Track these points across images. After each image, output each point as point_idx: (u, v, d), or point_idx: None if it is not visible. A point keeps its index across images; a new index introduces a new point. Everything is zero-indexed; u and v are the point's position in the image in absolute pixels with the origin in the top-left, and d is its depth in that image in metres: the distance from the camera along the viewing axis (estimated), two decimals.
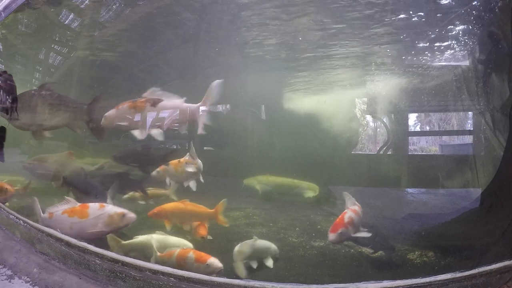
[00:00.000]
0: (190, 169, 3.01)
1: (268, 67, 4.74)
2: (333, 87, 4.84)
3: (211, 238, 2.94)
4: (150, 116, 2.69)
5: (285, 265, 2.71)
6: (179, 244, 2.64)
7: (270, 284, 1.92)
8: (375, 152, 5.08)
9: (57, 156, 3.28)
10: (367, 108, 4.85)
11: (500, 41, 3.15)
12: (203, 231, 2.82)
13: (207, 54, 4.63)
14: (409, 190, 4.32)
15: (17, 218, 2.87)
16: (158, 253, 2.44)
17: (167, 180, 3.02)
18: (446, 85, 4.01)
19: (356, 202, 2.80)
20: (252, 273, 2.51)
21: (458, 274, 1.86)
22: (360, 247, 2.94)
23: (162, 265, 2.09)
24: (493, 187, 2.98)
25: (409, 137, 4.75)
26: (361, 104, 4.86)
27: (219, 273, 2.24)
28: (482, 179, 3.46)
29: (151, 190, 3.45)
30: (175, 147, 5.90)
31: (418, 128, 5.36)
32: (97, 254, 2.26)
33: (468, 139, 4.38)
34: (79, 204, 2.41)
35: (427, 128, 5.39)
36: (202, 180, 3.16)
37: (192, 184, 3.01)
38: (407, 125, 4.65)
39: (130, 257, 2.19)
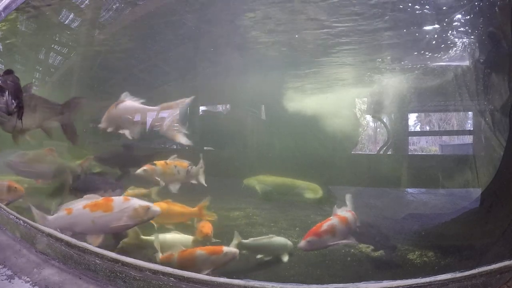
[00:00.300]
0: (184, 174, 3.01)
1: (268, 67, 4.74)
2: (333, 87, 4.84)
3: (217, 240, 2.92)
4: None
5: (285, 265, 2.71)
6: (181, 241, 2.67)
7: (270, 284, 1.92)
8: (375, 152, 5.08)
9: (38, 152, 3.23)
10: (367, 108, 4.85)
11: (500, 41, 3.15)
12: (207, 230, 2.81)
13: (207, 54, 4.63)
14: (409, 190, 4.32)
15: (17, 218, 2.87)
16: (160, 255, 2.45)
17: (159, 180, 2.99)
18: (446, 85, 4.01)
19: (350, 209, 2.70)
20: (251, 273, 2.51)
21: (458, 274, 1.86)
22: (360, 248, 2.94)
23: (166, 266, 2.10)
24: (493, 187, 2.97)
25: (409, 137, 4.75)
26: (361, 104, 4.87)
27: (234, 259, 2.36)
28: (482, 179, 3.46)
29: (131, 190, 3.36)
30: (175, 147, 5.91)
31: (418, 128, 5.37)
32: (97, 254, 2.26)
33: (468, 139, 4.38)
34: (101, 197, 2.38)
35: (427, 128, 5.39)
36: (204, 184, 3.17)
37: (174, 187, 2.98)
38: (407, 125, 4.65)
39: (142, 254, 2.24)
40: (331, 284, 1.93)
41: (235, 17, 4.17)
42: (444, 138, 5.12)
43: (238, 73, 4.68)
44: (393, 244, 2.88)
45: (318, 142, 4.53)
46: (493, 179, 3.03)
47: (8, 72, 2.29)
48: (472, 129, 4.16)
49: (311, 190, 4.04)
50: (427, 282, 1.83)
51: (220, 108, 5.96)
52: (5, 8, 3.71)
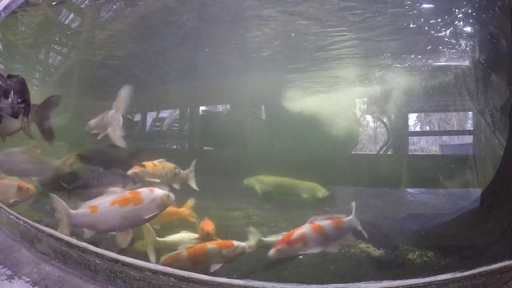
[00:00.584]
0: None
1: (268, 67, 4.74)
2: (333, 87, 4.84)
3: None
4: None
5: (285, 265, 2.71)
6: (183, 239, 2.68)
7: (270, 284, 1.92)
8: (375, 152, 5.08)
9: (21, 150, 3.21)
10: (367, 108, 4.85)
11: (500, 41, 3.15)
12: (208, 227, 2.78)
13: (207, 54, 4.63)
14: (409, 190, 4.32)
15: (17, 218, 2.87)
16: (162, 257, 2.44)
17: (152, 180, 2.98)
18: (446, 85, 4.02)
19: (352, 216, 2.51)
20: (251, 273, 2.51)
21: (458, 274, 1.86)
22: (360, 248, 2.94)
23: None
24: (493, 187, 2.98)
25: (409, 137, 4.75)
26: (361, 104, 4.87)
27: (244, 253, 2.41)
28: (482, 179, 3.46)
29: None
30: (175, 147, 5.92)
31: (418, 128, 5.37)
32: (97, 254, 2.26)
33: (468, 139, 4.38)
34: (127, 191, 2.35)
35: (427, 128, 5.39)
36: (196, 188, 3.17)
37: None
38: (407, 125, 4.65)
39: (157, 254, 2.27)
40: (331, 284, 1.93)
41: (235, 17, 4.17)
42: (444, 138, 5.13)
43: (238, 73, 4.68)
44: (393, 244, 2.88)
45: (318, 142, 4.53)
46: (493, 179, 3.03)
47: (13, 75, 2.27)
48: (472, 129, 4.16)
49: (316, 190, 4.03)
50: (427, 282, 1.83)
51: (220, 108, 5.97)
52: (5, 8, 3.71)
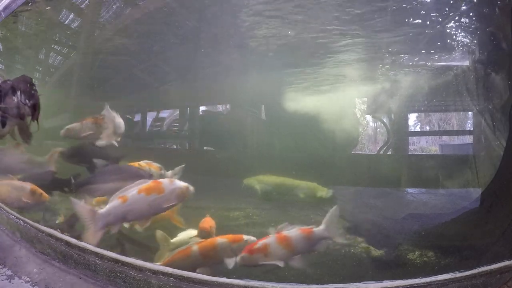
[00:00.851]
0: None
1: (268, 66, 4.74)
2: (333, 87, 4.84)
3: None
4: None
5: (285, 265, 2.70)
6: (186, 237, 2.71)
7: (270, 284, 1.92)
8: (375, 152, 5.08)
9: (4, 148, 3.22)
10: (367, 108, 4.85)
11: (500, 41, 3.15)
12: (205, 224, 2.77)
13: (207, 54, 4.63)
14: (409, 190, 4.32)
15: (17, 218, 2.87)
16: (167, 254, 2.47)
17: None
18: (446, 85, 4.01)
19: (331, 224, 2.37)
20: (251, 273, 2.51)
21: (458, 274, 1.86)
22: (360, 248, 2.94)
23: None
24: (493, 187, 2.97)
25: (409, 137, 4.75)
26: (361, 104, 4.87)
27: None
28: (482, 179, 3.46)
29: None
30: (175, 147, 5.92)
31: (418, 128, 5.37)
32: (97, 254, 2.26)
33: (468, 139, 4.38)
34: (150, 181, 2.43)
35: (427, 128, 5.40)
36: None
37: None
38: (407, 125, 4.65)
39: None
40: (331, 284, 1.93)
41: (235, 17, 4.17)
42: (444, 138, 5.13)
43: (238, 73, 4.68)
44: (393, 244, 2.88)
45: (318, 142, 4.53)
46: (493, 179, 3.03)
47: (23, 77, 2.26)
48: (472, 129, 4.16)
49: (318, 190, 4.02)
50: (427, 282, 1.83)
51: (220, 108, 5.97)
52: (5, 8, 3.71)
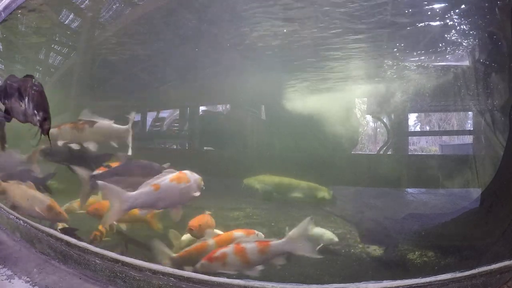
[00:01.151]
0: None
1: (268, 66, 4.74)
2: (333, 87, 4.84)
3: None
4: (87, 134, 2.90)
5: (285, 265, 2.71)
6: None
7: (270, 284, 1.92)
8: (375, 152, 5.08)
9: None
10: (367, 108, 4.86)
11: (500, 41, 3.15)
12: (194, 223, 2.72)
13: (207, 54, 4.63)
14: (409, 190, 4.32)
15: (17, 218, 2.88)
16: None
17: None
18: (446, 85, 4.01)
19: (298, 235, 2.28)
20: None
21: (458, 274, 1.86)
22: (360, 247, 2.94)
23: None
24: (493, 187, 2.97)
25: (409, 137, 4.75)
26: (361, 104, 4.87)
27: None
28: (482, 179, 3.46)
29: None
30: (175, 147, 5.92)
31: (418, 128, 5.38)
32: (97, 254, 2.26)
33: (468, 139, 4.38)
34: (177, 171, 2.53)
35: (427, 128, 5.40)
36: None
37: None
38: (407, 125, 4.65)
39: None
40: (331, 284, 1.93)
41: (235, 17, 4.17)
42: (444, 138, 5.13)
43: (238, 73, 4.68)
44: (393, 244, 2.88)
45: (318, 142, 4.53)
46: (493, 179, 3.03)
47: (28, 77, 2.03)
48: (472, 129, 4.16)
49: (319, 191, 4.02)
50: (427, 282, 1.83)
51: (220, 108, 5.97)
52: (5, 8, 3.71)
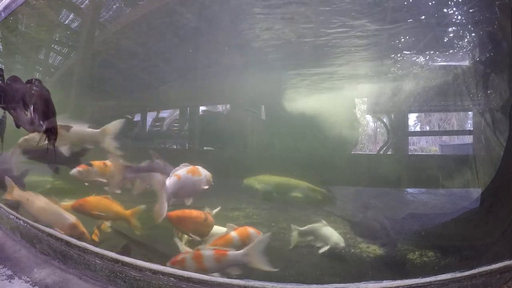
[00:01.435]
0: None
1: (268, 66, 4.74)
2: (333, 87, 4.84)
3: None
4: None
5: (285, 265, 2.71)
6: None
7: (270, 284, 1.92)
8: (375, 152, 5.08)
9: None
10: (367, 108, 4.85)
11: (500, 41, 3.15)
12: (172, 213, 2.73)
13: (207, 54, 4.63)
14: (409, 190, 4.32)
15: (17, 218, 2.88)
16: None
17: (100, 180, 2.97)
18: (446, 85, 4.01)
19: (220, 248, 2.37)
20: (251, 273, 2.52)
21: (458, 274, 1.86)
22: (360, 247, 2.94)
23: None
24: (493, 187, 2.97)
25: (409, 137, 4.75)
26: (361, 104, 4.87)
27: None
28: (482, 179, 3.46)
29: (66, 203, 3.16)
30: (175, 147, 5.91)
31: (418, 128, 5.37)
32: (97, 254, 2.26)
33: (468, 139, 4.38)
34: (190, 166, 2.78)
35: (427, 128, 5.39)
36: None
37: (115, 189, 2.98)
38: (407, 125, 4.65)
39: None
40: (331, 284, 1.93)
41: (236, 17, 4.17)
42: (444, 138, 5.13)
43: (238, 73, 4.68)
44: (393, 244, 2.88)
45: (318, 142, 4.53)
46: (493, 179, 3.03)
47: (32, 81, 1.81)
48: (472, 129, 4.15)
49: (315, 192, 4.02)
50: (427, 282, 1.83)
51: (220, 108, 5.96)
52: (5, 8, 3.71)
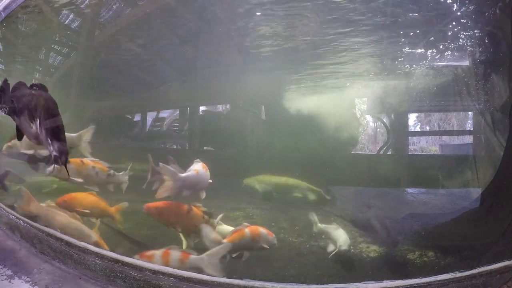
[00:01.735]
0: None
1: (268, 66, 4.74)
2: (333, 87, 4.84)
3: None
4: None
5: (285, 265, 2.71)
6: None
7: (270, 284, 1.92)
8: (375, 152, 5.08)
9: None
10: (367, 108, 4.85)
11: (500, 41, 3.15)
12: (150, 204, 2.79)
13: (207, 54, 4.63)
14: (409, 190, 4.32)
15: (17, 218, 2.87)
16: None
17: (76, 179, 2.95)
18: (446, 85, 4.01)
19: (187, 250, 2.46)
20: (251, 273, 2.52)
21: (458, 274, 1.86)
22: (360, 248, 2.94)
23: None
24: (493, 187, 2.97)
25: (409, 137, 4.74)
26: (361, 104, 4.87)
27: None
28: (482, 179, 3.46)
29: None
30: (175, 147, 5.91)
31: (418, 128, 5.37)
32: (97, 254, 2.26)
33: (468, 139, 4.38)
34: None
35: (427, 128, 5.39)
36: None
37: (92, 188, 3.03)
38: (407, 125, 4.64)
39: None
40: (331, 284, 1.93)
41: (236, 16, 4.17)
42: (444, 138, 5.12)
43: (238, 73, 4.68)
44: (393, 244, 2.88)
45: (318, 142, 4.53)
46: (493, 179, 3.03)
47: (37, 86, 1.53)
48: (472, 129, 4.15)
49: (314, 194, 4.02)
50: (427, 282, 1.83)
51: (220, 108, 5.96)
52: (5, 8, 3.71)
